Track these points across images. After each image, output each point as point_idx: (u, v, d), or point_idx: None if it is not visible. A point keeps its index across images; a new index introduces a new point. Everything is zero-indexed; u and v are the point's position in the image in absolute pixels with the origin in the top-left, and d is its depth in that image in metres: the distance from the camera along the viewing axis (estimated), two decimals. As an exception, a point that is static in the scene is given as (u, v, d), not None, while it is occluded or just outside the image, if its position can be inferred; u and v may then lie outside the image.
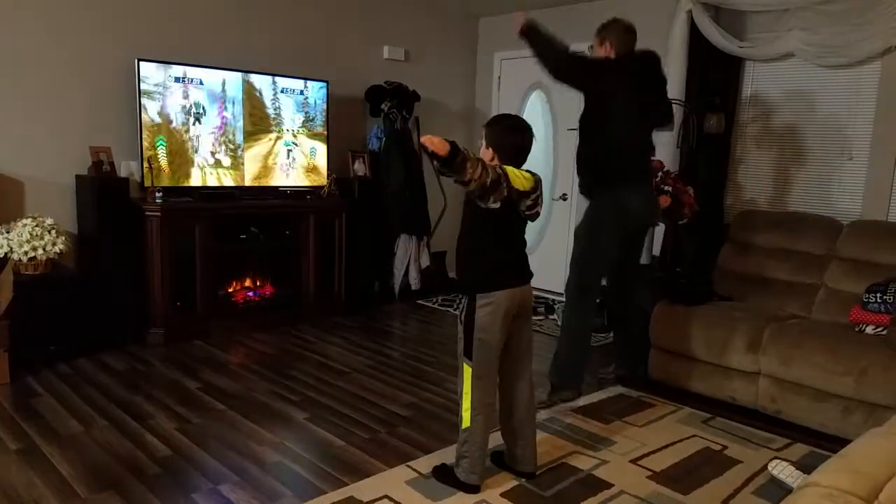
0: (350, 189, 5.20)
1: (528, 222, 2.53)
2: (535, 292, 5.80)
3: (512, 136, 2.44)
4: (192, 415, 3.15)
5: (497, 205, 2.32)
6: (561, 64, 3.07)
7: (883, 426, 1.73)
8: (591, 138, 3.12)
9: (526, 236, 2.58)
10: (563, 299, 3.18)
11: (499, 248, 2.45)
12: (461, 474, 2.50)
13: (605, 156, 3.09)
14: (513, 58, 6.04)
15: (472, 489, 2.50)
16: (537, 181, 2.46)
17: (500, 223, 2.40)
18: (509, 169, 2.37)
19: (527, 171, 2.45)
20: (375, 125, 5.47)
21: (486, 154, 2.45)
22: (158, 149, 4.21)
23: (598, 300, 3.31)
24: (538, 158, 5.85)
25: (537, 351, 4.13)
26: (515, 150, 2.44)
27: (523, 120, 2.53)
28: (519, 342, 2.57)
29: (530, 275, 2.57)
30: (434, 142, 2.14)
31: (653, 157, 4.17)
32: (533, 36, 3.07)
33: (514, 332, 2.52)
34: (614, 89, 3.08)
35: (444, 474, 2.58)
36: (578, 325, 3.04)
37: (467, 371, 2.44)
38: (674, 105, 4.39)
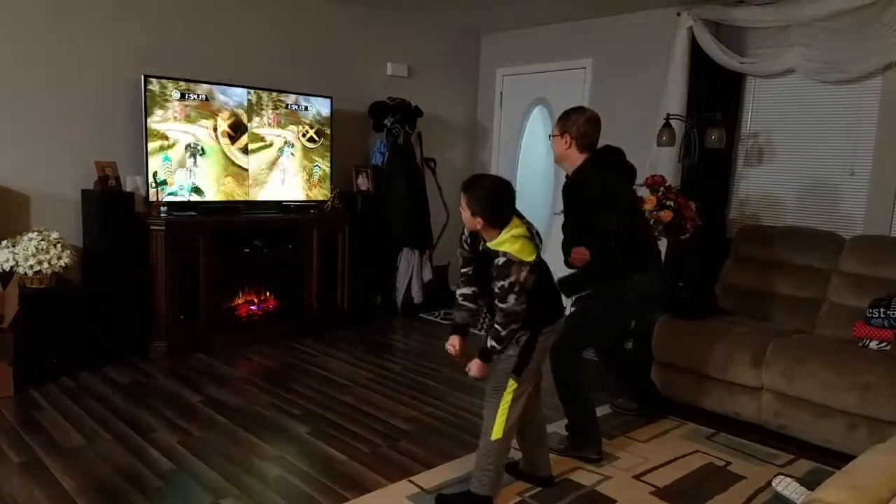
0: (353, 203, 5.23)
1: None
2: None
3: (497, 201, 2.35)
4: (194, 428, 3.15)
5: (535, 276, 2.34)
6: (617, 264, 2.93)
7: (887, 442, 1.73)
8: (606, 234, 2.88)
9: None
10: (554, 359, 2.97)
11: (547, 296, 2.51)
12: (482, 488, 2.47)
13: (623, 245, 2.90)
14: (515, 74, 6.08)
15: (488, 502, 2.49)
16: (528, 228, 2.39)
17: (542, 281, 2.42)
18: (511, 249, 2.28)
19: (516, 223, 2.36)
20: (378, 140, 5.50)
21: (473, 222, 2.34)
22: (164, 164, 4.23)
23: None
24: (538, 174, 5.88)
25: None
26: (504, 213, 2.35)
27: (499, 178, 2.49)
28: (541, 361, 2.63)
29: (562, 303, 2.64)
30: (476, 372, 2.45)
31: (654, 174, 4.20)
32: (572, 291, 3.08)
33: None
34: (622, 188, 3.00)
35: (455, 501, 2.54)
36: (576, 379, 3.00)
37: (512, 386, 2.44)
38: (676, 120, 4.45)
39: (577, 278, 3.03)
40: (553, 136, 3.00)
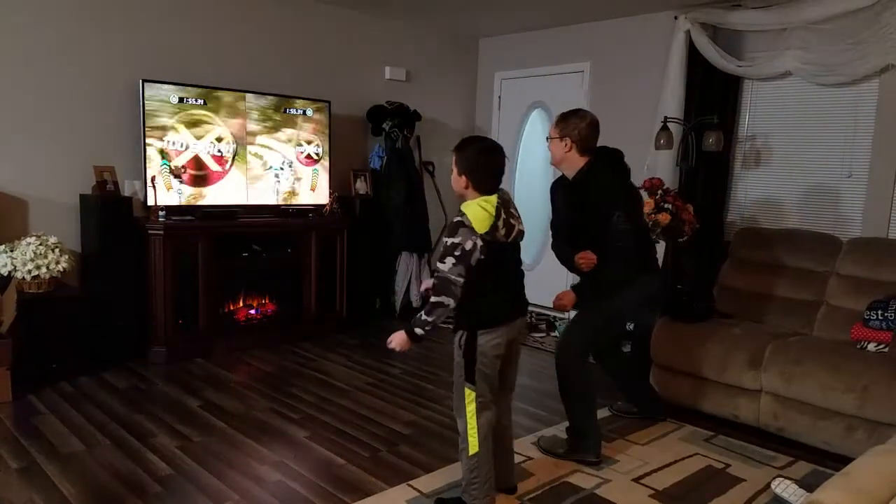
0: (352, 207, 5.23)
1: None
2: (536, 310, 5.80)
3: (484, 160, 2.33)
4: (193, 433, 3.15)
5: (482, 256, 2.27)
6: (633, 265, 2.92)
7: (886, 444, 1.74)
8: (619, 235, 2.86)
9: (525, 256, 2.57)
10: (559, 362, 3.02)
11: (497, 288, 2.40)
12: (474, 501, 2.43)
13: (630, 248, 2.90)
14: (513, 77, 6.10)
15: None
16: (499, 207, 2.30)
17: (493, 266, 2.32)
18: (470, 213, 2.25)
19: (493, 196, 2.32)
20: (377, 144, 5.51)
21: (458, 182, 2.35)
22: (162, 168, 4.24)
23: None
24: (536, 178, 5.89)
25: (539, 368, 4.12)
26: (490, 174, 2.33)
27: (492, 140, 2.47)
28: (507, 368, 2.54)
29: (526, 306, 2.55)
30: (396, 344, 2.36)
31: (652, 177, 4.24)
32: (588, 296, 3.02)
33: (504, 357, 2.48)
34: (629, 189, 3.02)
35: None
36: (579, 383, 3.00)
37: (470, 396, 2.38)
38: (674, 123, 4.46)
39: (592, 283, 2.98)
40: (551, 138, 2.98)
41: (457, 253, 2.24)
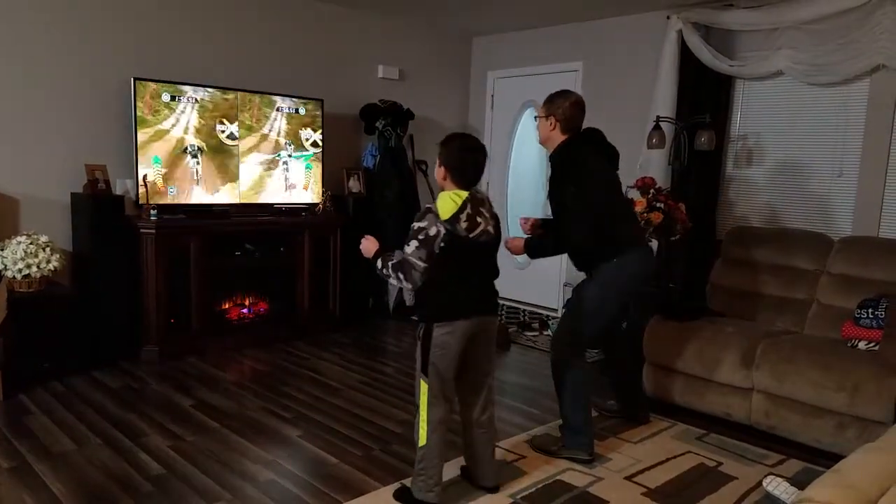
0: (345, 206, 5.22)
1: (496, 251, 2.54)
2: (529, 308, 5.81)
3: (463, 156, 2.44)
4: (185, 432, 3.14)
5: (443, 244, 2.36)
6: (575, 243, 2.94)
7: (876, 441, 1.75)
8: (594, 213, 2.87)
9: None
10: (552, 357, 3.05)
11: (455, 283, 2.44)
12: (418, 493, 2.48)
13: (609, 225, 2.92)
14: (506, 76, 6.10)
15: None
16: (466, 201, 2.37)
17: (454, 259, 2.39)
18: (441, 199, 2.36)
19: (466, 191, 2.41)
20: (370, 143, 5.50)
21: (438, 173, 2.48)
22: (154, 167, 4.22)
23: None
24: (530, 177, 5.90)
25: (532, 367, 4.13)
26: (466, 170, 2.43)
27: (476, 139, 2.55)
28: (477, 366, 2.57)
29: (492, 307, 2.59)
30: (363, 247, 2.60)
31: (645, 176, 4.24)
32: (535, 254, 3.09)
33: (471, 355, 2.52)
34: (594, 166, 2.97)
35: (402, 495, 2.57)
36: (571, 379, 3.01)
37: (424, 388, 2.45)
38: (666, 123, 4.48)
39: (544, 245, 3.05)
40: (539, 117, 3.04)
41: (420, 237, 2.35)
